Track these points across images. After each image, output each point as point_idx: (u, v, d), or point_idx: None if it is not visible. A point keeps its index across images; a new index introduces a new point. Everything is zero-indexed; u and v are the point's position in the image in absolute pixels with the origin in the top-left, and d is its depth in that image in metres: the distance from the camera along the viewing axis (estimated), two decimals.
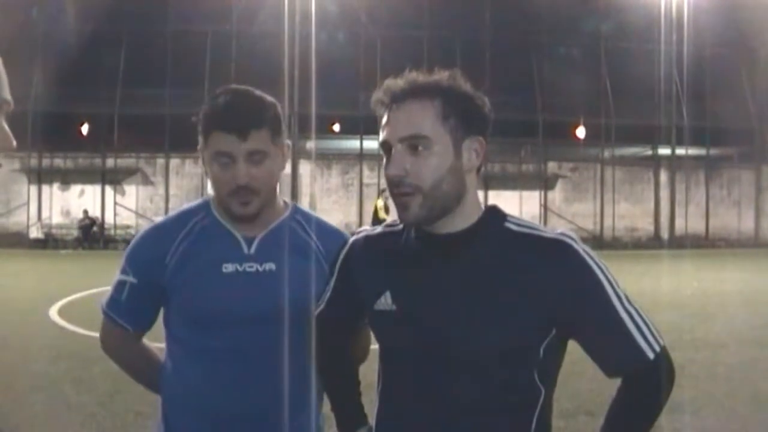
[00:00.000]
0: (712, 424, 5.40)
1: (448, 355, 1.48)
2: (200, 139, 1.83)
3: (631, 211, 33.25)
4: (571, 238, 1.49)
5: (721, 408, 5.79)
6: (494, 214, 1.56)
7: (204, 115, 1.82)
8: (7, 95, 1.14)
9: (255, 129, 1.78)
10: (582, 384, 5.33)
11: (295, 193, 27.45)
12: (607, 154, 32.82)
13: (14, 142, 1.12)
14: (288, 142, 1.91)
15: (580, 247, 1.47)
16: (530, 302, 1.45)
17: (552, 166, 32.93)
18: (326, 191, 31.34)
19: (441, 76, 1.51)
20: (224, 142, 1.77)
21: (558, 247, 1.47)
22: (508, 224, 1.53)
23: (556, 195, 32.91)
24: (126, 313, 1.92)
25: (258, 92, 1.85)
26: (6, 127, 1.13)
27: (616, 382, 1.53)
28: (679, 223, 32.27)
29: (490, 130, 1.55)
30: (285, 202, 1.98)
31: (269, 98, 1.86)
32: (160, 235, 1.91)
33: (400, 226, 1.61)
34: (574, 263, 1.46)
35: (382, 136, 1.51)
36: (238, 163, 1.77)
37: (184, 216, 1.93)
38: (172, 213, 2.00)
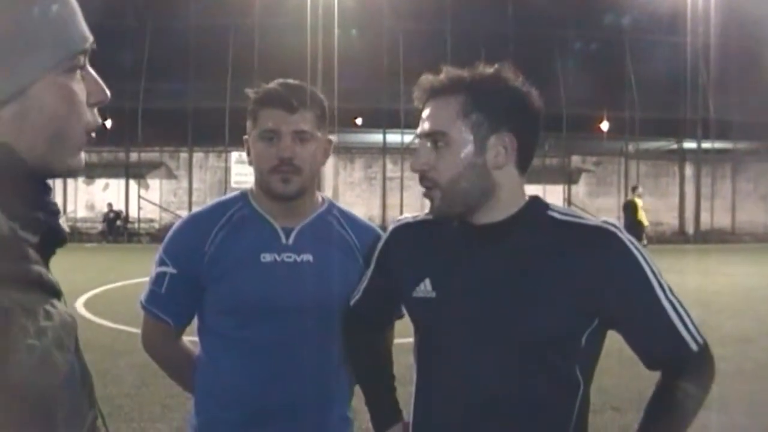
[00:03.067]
0: (741, 422, 5.33)
1: (489, 343, 1.46)
2: (249, 124, 1.86)
3: (656, 206, 32.89)
4: (615, 227, 1.48)
5: (749, 405, 5.71)
6: (536, 203, 1.55)
7: (254, 99, 1.84)
8: (86, 31, 0.86)
9: (303, 107, 1.80)
10: (608, 380, 5.28)
11: (318, 187, 27.44)
12: (631, 147, 32.51)
13: (108, 93, 0.88)
14: (331, 138, 1.92)
15: (624, 236, 1.46)
16: (573, 290, 1.43)
17: (576, 160, 32.70)
18: (349, 185, 31.37)
19: (471, 71, 1.50)
20: (272, 118, 1.80)
21: (601, 235, 1.46)
22: (551, 212, 1.53)
23: (579, 189, 32.68)
24: (167, 306, 1.91)
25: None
26: (94, 73, 0.87)
27: (643, 379, 1.50)
28: (705, 218, 31.93)
29: (532, 123, 1.54)
30: (322, 197, 2.00)
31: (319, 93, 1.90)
32: (197, 224, 1.92)
33: None
34: (618, 251, 1.44)
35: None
36: (284, 138, 1.79)
37: (222, 206, 1.93)
38: (208, 204, 2.00)
